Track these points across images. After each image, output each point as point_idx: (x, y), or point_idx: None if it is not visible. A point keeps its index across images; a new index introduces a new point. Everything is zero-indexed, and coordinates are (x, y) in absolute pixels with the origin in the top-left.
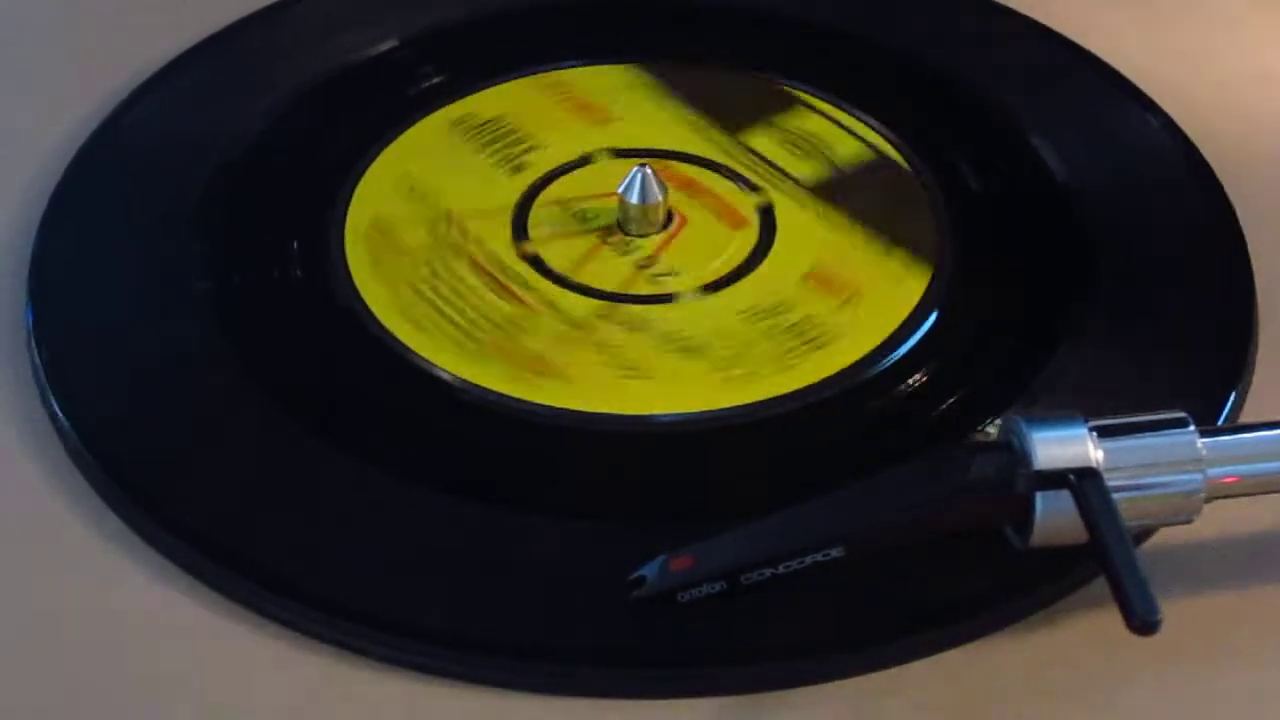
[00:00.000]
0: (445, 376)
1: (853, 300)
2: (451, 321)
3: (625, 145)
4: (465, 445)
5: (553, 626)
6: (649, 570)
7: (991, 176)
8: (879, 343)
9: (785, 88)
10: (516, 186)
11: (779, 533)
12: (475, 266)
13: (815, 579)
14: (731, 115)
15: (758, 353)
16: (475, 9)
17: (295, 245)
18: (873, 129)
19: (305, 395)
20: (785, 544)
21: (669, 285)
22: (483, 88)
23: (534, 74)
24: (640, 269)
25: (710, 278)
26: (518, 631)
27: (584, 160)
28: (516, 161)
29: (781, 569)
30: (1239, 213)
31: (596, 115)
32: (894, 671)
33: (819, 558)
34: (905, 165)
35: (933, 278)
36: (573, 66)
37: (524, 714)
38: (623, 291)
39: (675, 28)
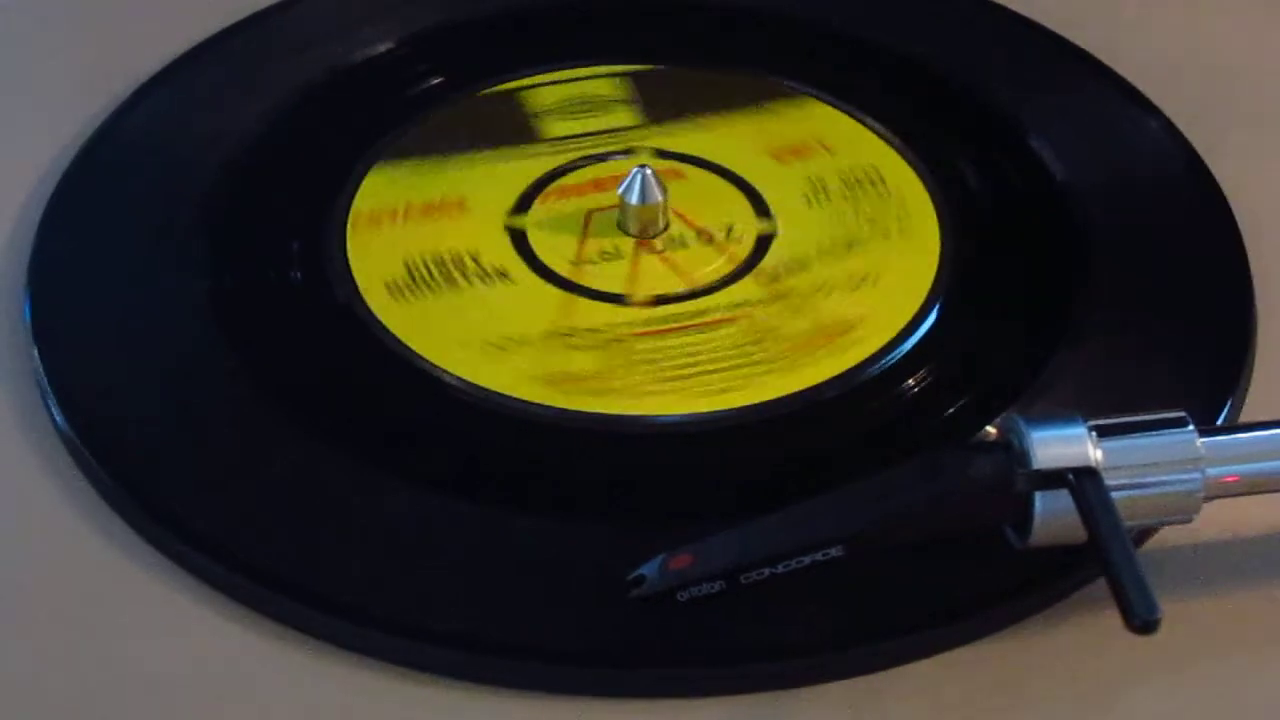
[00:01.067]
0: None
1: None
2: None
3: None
4: (464, 444)
5: (551, 626)
6: (648, 569)
7: (991, 176)
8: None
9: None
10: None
11: (778, 532)
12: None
13: (815, 578)
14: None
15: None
16: (477, 7)
17: (295, 245)
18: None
19: (306, 395)
20: (784, 543)
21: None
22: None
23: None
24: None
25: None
26: (517, 631)
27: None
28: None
29: (781, 568)
30: (1237, 213)
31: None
32: (894, 671)
33: (818, 557)
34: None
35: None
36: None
37: (522, 713)
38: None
39: (720, 32)
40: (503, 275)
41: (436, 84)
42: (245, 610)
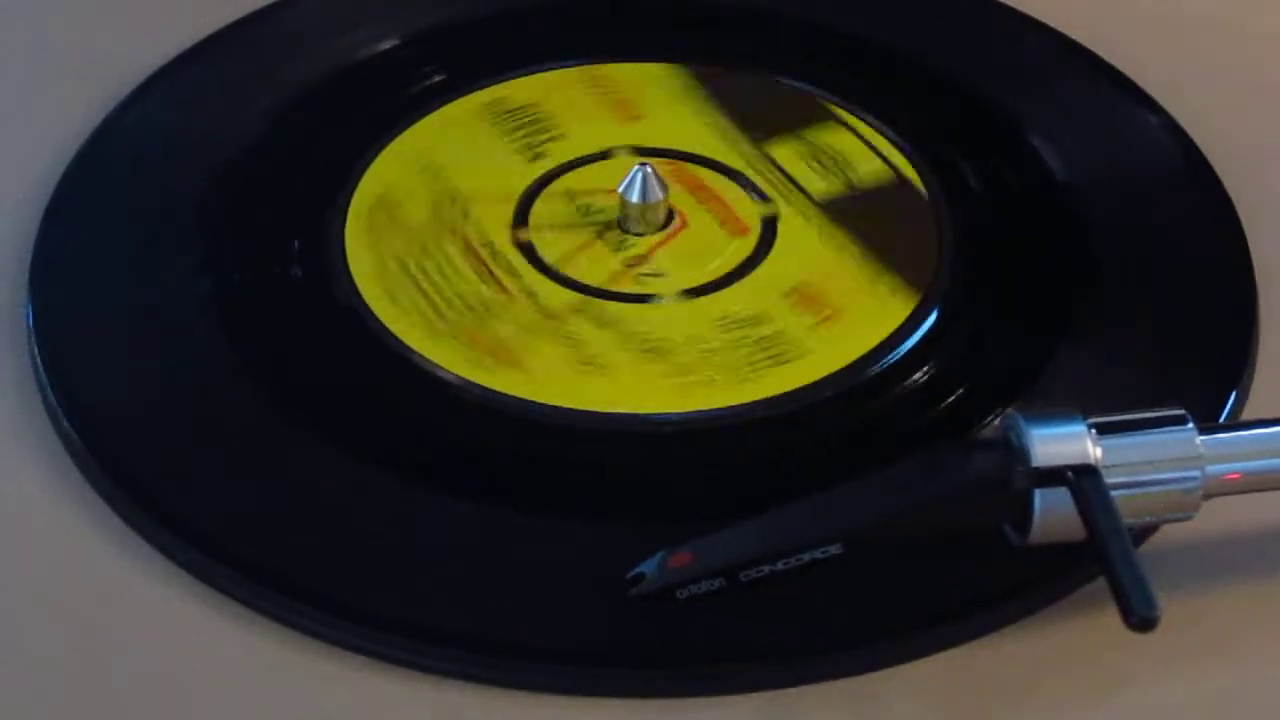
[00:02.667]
0: (410, 355)
1: (830, 320)
2: (427, 299)
3: (647, 144)
4: (464, 443)
5: (551, 625)
6: (648, 567)
7: (991, 175)
8: (842, 365)
9: (822, 100)
10: (530, 173)
11: (777, 529)
12: (466, 248)
13: (814, 576)
14: (761, 124)
15: (718, 361)
16: (476, 6)
17: (296, 244)
18: (896, 146)
19: (306, 395)
20: (783, 540)
21: (651, 286)
22: (522, 74)
23: (575, 65)
24: (628, 267)
25: (695, 283)
26: (517, 630)
27: (603, 155)
28: (537, 149)
29: (780, 565)
30: (1239, 211)
31: (628, 111)
32: (894, 671)
33: (817, 554)
34: (923, 190)
35: (917, 307)
36: (616, 62)
37: (522, 713)
38: (604, 287)
39: (722, 31)
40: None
41: (434, 84)
42: (245, 610)
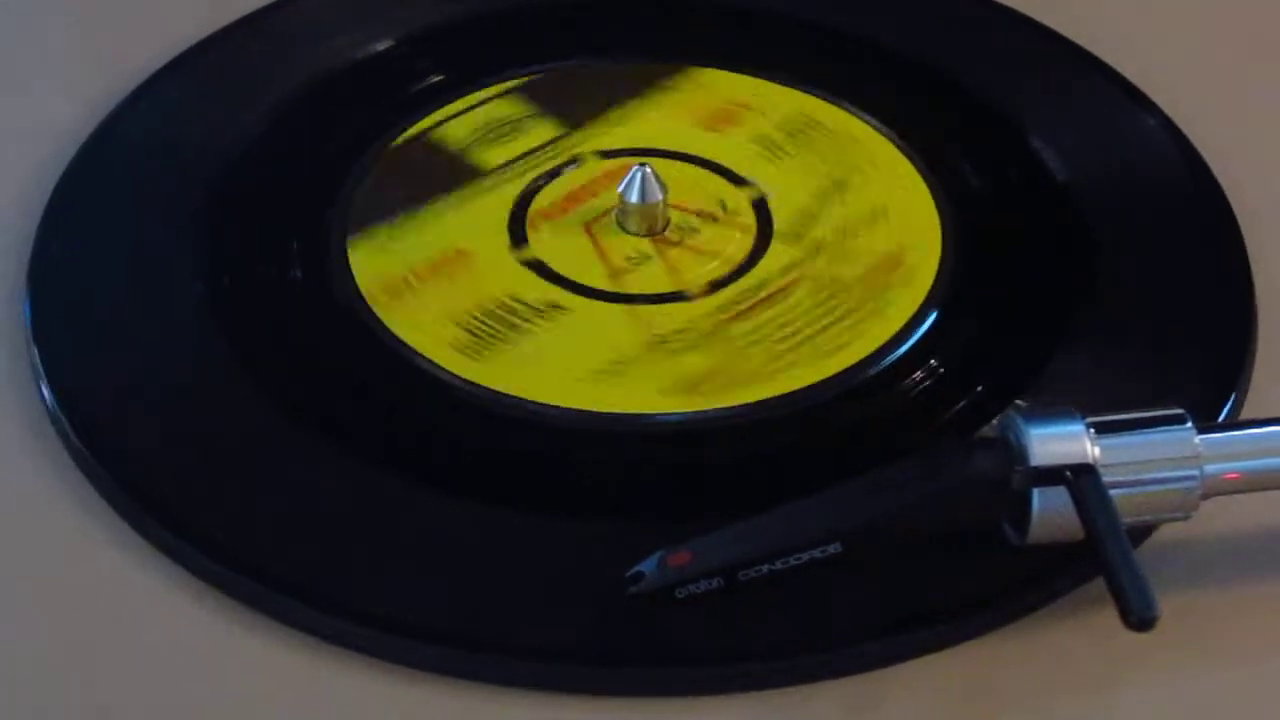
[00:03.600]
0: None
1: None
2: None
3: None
4: (463, 444)
5: (549, 624)
6: (646, 566)
7: (991, 175)
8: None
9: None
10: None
11: (777, 529)
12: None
13: (813, 576)
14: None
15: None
16: (475, 6)
17: (295, 245)
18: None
19: (307, 396)
20: (783, 540)
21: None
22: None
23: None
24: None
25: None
26: (516, 630)
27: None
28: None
29: (779, 565)
30: (1237, 212)
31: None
32: (893, 670)
33: (816, 554)
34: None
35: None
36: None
37: (521, 713)
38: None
39: (673, 28)
40: (556, 307)
41: (436, 82)
42: (244, 609)
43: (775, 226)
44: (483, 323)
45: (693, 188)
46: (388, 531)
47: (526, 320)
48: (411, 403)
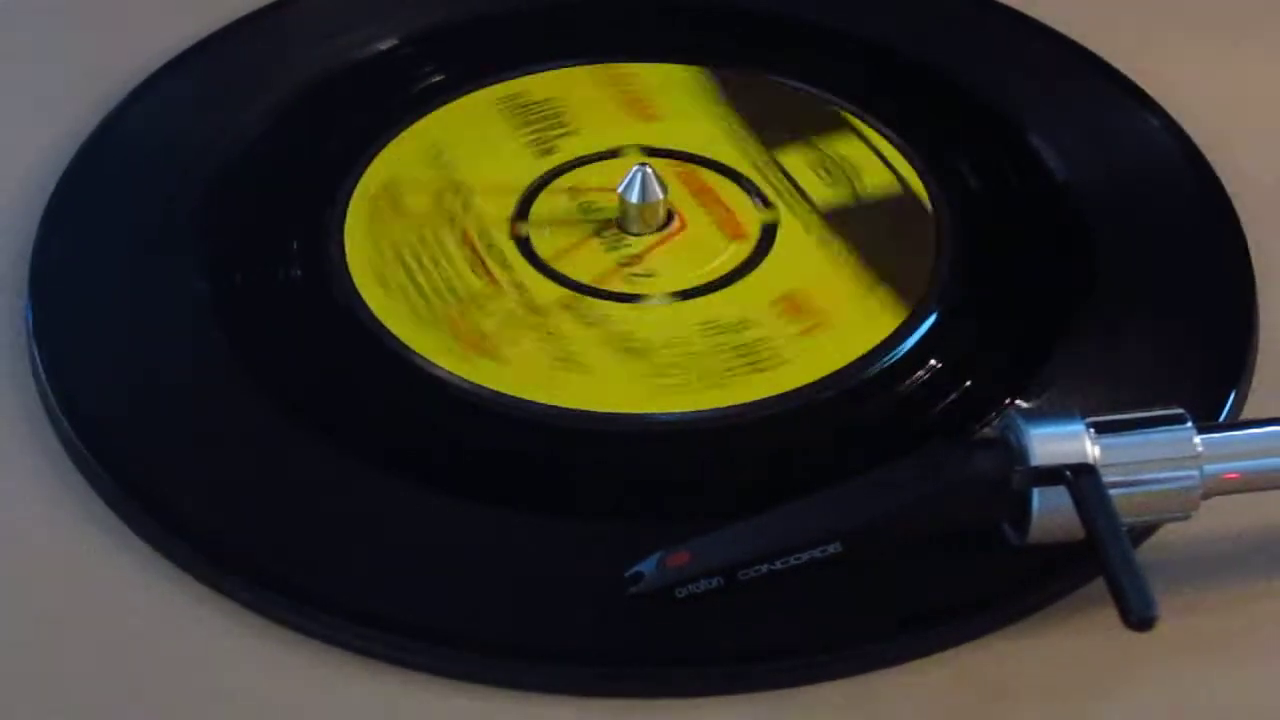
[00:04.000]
0: (394, 344)
1: (816, 329)
2: (417, 286)
3: (658, 144)
4: (461, 443)
5: (548, 625)
6: (645, 566)
7: (990, 174)
8: (822, 375)
9: (836, 108)
10: (537, 168)
11: (776, 528)
12: (463, 239)
13: (813, 577)
14: (775, 129)
15: (696, 365)
16: (476, 6)
17: (295, 244)
18: (905, 156)
19: (306, 396)
20: (783, 539)
21: (641, 286)
22: (539, 70)
23: (595, 63)
24: (621, 266)
25: (686, 285)
26: (514, 630)
27: (612, 153)
28: (548, 144)
29: (779, 565)
30: (1239, 210)
31: (643, 111)
32: (894, 671)
33: (816, 554)
34: (927, 204)
35: (905, 321)
36: (637, 61)
37: (521, 713)
38: (594, 285)
39: (746, 36)
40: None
41: (436, 82)
42: (243, 610)
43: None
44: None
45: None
46: (386, 532)
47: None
48: (409, 403)
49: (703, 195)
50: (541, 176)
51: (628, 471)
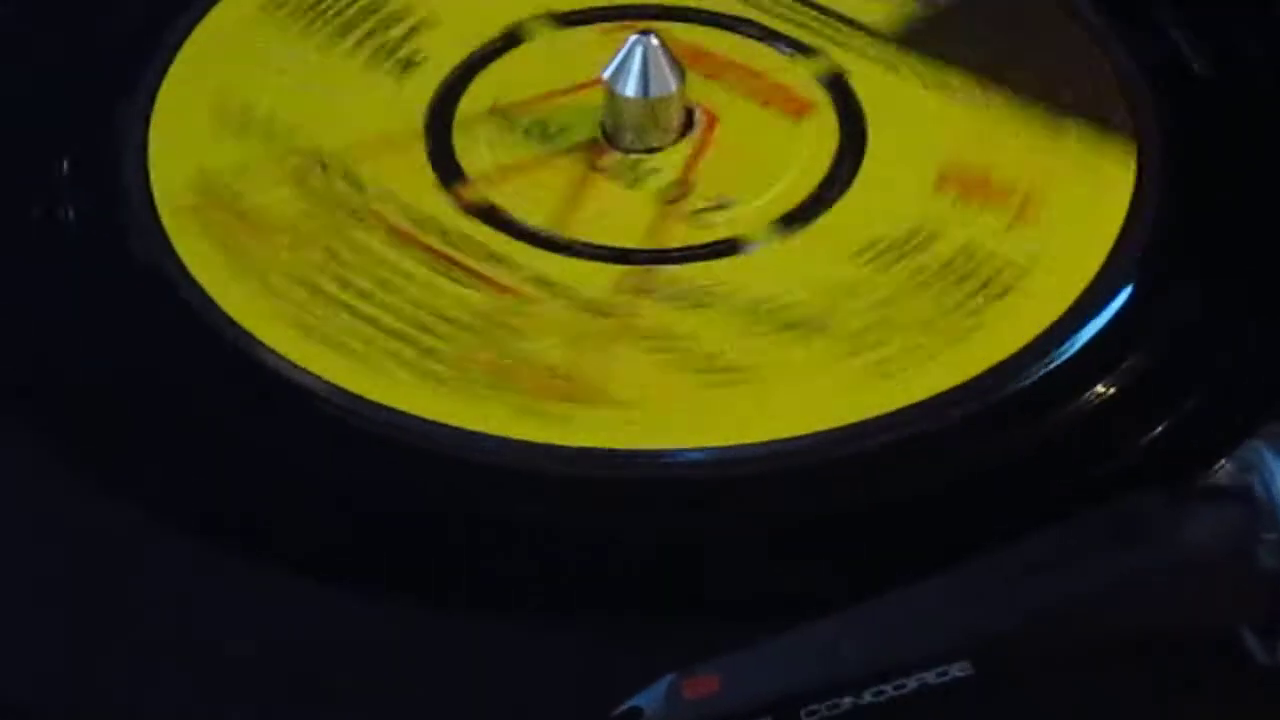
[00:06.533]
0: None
1: (1026, 213)
2: (389, 333)
3: (574, 3)
4: (337, 496)
5: None
6: (648, 700)
7: (1218, 51)
8: (1030, 340)
9: None
10: (413, 95)
11: (862, 638)
12: (397, 237)
13: (924, 712)
14: None
15: (909, 317)
16: None
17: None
18: None
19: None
20: (874, 657)
21: (720, 227)
22: None
23: None
24: (669, 204)
25: (784, 205)
26: None
27: (513, 38)
28: (402, 54)
29: (868, 697)
30: None
31: None
32: None
33: (930, 678)
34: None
35: (1141, 163)
36: None
37: None
38: (655, 246)
39: None
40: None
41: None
42: None
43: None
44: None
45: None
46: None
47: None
48: (240, 419)
49: (705, 63)
50: (432, 105)
51: (602, 541)
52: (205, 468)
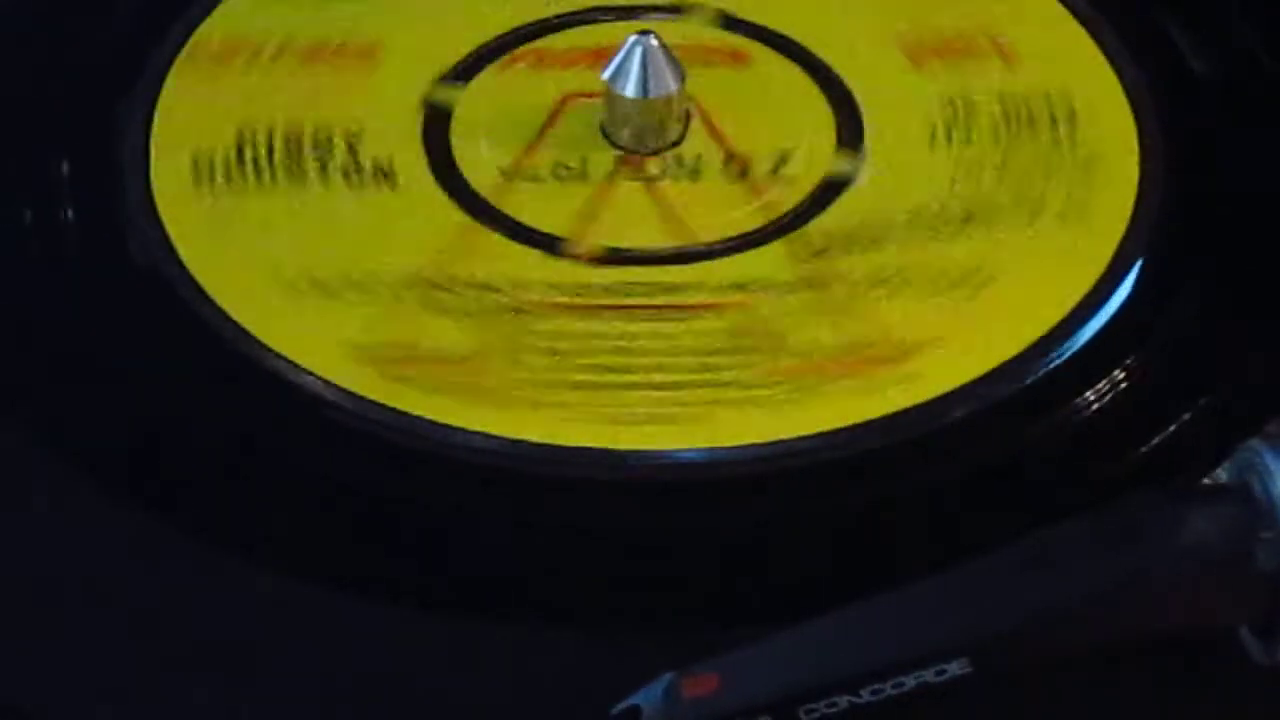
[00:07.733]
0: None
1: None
2: (682, 387)
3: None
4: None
5: None
6: (646, 699)
7: (1218, 56)
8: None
9: None
10: (423, 195)
11: (863, 637)
12: (582, 312)
13: (922, 711)
14: None
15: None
16: None
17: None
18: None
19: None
20: (873, 656)
21: (811, 171)
22: None
23: None
24: (743, 178)
25: (829, 135)
26: None
27: (436, 111)
28: (366, 169)
29: (866, 695)
30: None
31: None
32: None
33: (930, 677)
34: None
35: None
36: None
37: None
38: (782, 212)
39: None
40: (385, 176)
41: None
42: None
43: (810, 224)
44: (268, 148)
45: (774, 118)
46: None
47: (324, 173)
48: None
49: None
50: (450, 195)
51: (598, 545)
52: (205, 467)
